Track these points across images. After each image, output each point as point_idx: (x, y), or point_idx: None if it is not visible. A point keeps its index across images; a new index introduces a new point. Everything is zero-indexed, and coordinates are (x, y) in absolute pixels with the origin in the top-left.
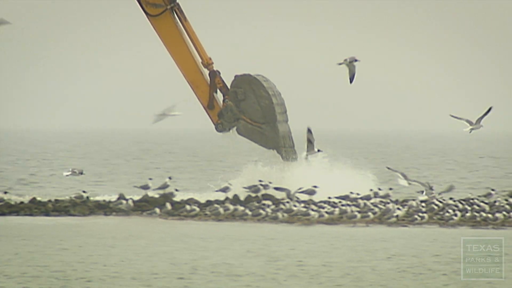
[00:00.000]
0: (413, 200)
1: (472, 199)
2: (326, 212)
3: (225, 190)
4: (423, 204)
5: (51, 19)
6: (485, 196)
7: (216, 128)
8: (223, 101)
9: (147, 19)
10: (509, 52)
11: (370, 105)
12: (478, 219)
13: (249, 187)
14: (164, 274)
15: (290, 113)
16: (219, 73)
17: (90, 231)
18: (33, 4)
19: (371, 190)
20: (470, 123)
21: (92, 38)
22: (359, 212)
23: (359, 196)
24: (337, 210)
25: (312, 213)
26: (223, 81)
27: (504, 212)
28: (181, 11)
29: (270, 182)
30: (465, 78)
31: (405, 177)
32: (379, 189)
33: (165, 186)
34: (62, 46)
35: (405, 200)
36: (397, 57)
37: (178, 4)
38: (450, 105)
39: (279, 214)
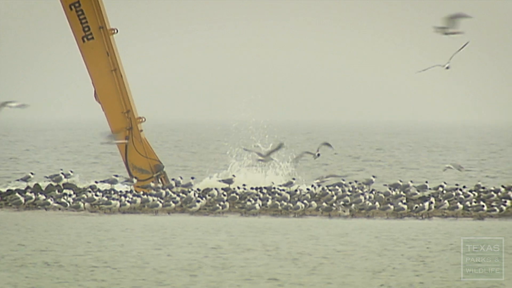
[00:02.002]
0: (215, 189)
1: (274, 188)
2: (128, 201)
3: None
4: (225, 193)
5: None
6: (286, 185)
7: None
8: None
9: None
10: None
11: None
12: (279, 208)
13: (51, 176)
14: None
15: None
16: None
17: None
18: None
19: (180, 178)
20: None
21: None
22: (160, 201)
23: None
24: (139, 200)
25: (114, 202)
26: None
27: (305, 201)
28: (166, 178)
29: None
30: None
31: (261, 155)
32: (192, 178)
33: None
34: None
35: (207, 189)
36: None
37: (164, 172)
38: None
39: (81, 203)
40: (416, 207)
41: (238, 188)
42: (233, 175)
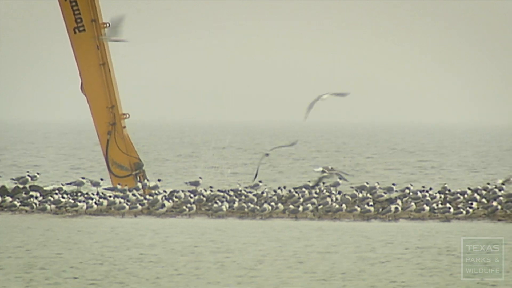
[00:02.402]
0: (182, 191)
1: (240, 190)
2: (95, 203)
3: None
4: (191, 195)
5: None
6: (252, 187)
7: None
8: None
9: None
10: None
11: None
12: (246, 210)
13: (17, 179)
14: None
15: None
16: None
17: None
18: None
19: (159, 180)
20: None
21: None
22: (127, 203)
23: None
24: (105, 202)
25: (80, 204)
26: None
27: (273, 203)
28: (144, 176)
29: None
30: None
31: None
32: (159, 180)
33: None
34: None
35: (174, 191)
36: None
37: (143, 171)
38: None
39: (47, 206)
40: (383, 209)
41: (205, 190)
42: (200, 177)
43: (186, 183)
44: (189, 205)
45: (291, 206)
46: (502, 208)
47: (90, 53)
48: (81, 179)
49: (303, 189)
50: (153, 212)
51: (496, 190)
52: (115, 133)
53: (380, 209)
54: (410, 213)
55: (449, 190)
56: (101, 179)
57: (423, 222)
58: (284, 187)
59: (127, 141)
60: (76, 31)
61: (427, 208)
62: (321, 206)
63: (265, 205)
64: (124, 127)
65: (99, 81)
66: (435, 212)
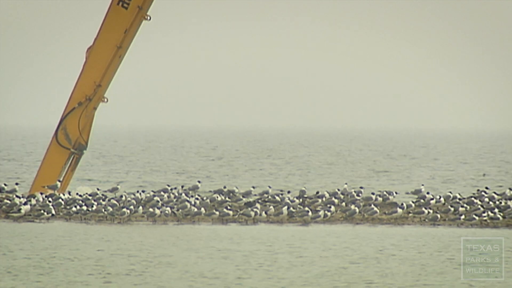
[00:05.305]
0: (41, 194)
1: (98, 194)
2: None
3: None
4: (50, 199)
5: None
6: (111, 190)
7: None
8: None
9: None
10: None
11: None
12: (105, 213)
13: None
14: None
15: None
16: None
17: None
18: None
19: (16, 184)
20: None
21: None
22: None
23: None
24: None
25: None
26: None
27: (132, 207)
28: None
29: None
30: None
31: None
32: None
33: None
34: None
35: (32, 195)
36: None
37: (81, 156)
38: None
39: None
40: (242, 212)
41: (63, 194)
42: (59, 180)
43: (44, 187)
44: (47, 209)
45: (150, 209)
46: (360, 212)
47: (116, 30)
48: None
49: (162, 193)
50: (10, 216)
51: (354, 193)
52: (85, 108)
53: (239, 213)
54: (269, 217)
55: (307, 194)
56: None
57: (282, 225)
58: (143, 191)
59: (88, 122)
60: (120, 3)
61: (285, 211)
62: (179, 211)
63: (124, 209)
64: (95, 108)
65: (105, 57)
66: (293, 216)
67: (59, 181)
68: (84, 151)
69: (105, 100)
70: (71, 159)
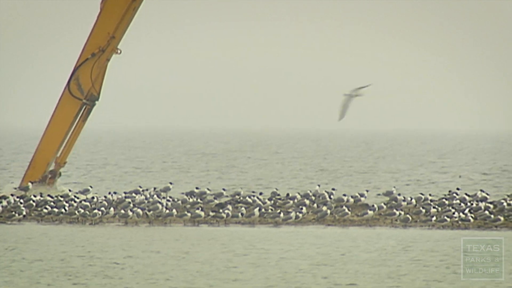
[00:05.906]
0: (12, 195)
1: (69, 195)
2: None
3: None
4: (21, 200)
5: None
6: (82, 192)
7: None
8: None
9: None
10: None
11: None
12: (77, 214)
13: None
14: None
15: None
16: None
17: None
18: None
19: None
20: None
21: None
22: None
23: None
24: None
25: None
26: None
27: (103, 208)
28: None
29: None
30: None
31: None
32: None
33: None
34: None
35: (3, 196)
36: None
37: (92, 107)
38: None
39: None
40: (214, 214)
41: (35, 196)
42: (31, 182)
43: (15, 188)
44: (18, 210)
45: (122, 211)
46: (331, 213)
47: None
48: None
49: (133, 194)
50: None
51: (326, 195)
52: (98, 59)
53: (210, 214)
54: (241, 218)
55: (278, 195)
56: None
57: (253, 227)
58: (115, 192)
59: (101, 73)
60: None
61: (257, 212)
62: (151, 212)
63: (95, 211)
64: (108, 60)
65: (120, 9)
66: (264, 217)
67: (31, 182)
68: (96, 102)
69: (119, 51)
70: (82, 109)
